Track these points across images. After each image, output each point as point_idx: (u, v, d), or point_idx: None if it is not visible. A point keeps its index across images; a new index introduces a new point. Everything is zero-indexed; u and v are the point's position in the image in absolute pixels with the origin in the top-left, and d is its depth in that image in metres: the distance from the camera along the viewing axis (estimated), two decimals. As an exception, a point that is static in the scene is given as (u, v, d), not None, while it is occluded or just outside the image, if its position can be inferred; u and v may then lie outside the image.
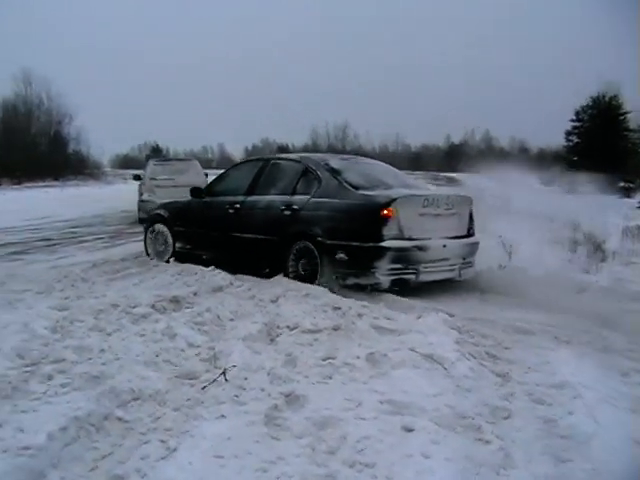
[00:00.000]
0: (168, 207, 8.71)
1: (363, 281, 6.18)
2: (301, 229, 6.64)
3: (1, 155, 40.12)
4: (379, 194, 6.38)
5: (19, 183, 37.61)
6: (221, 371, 3.73)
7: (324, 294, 5.69)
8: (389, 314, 5.12)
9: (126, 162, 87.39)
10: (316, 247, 6.39)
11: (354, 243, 6.15)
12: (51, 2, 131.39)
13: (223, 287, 6.16)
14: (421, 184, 8.50)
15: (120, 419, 3.15)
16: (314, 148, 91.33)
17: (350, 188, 6.52)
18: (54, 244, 10.94)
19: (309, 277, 6.42)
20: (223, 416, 3.22)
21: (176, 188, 12.93)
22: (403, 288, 6.20)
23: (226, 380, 3.63)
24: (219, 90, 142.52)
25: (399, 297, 6.04)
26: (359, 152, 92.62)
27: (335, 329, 4.65)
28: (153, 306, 5.17)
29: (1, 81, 51.71)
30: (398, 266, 6.12)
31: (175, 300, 5.41)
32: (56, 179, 40.89)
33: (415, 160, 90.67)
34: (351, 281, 6.21)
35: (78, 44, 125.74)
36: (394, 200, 6.13)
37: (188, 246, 8.08)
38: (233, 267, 7.09)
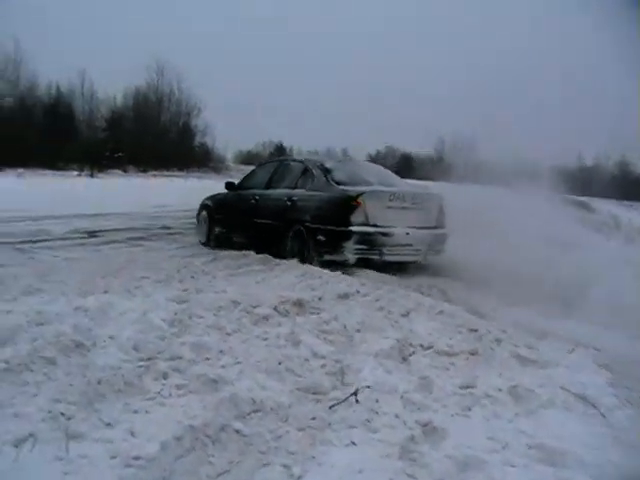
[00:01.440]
0: (212, 198, 10.57)
1: (335, 258, 7.47)
2: (296, 216, 8.04)
3: (130, 143, 41.52)
4: (353, 189, 7.61)
5: (145, 171, 38.92)
6: (352, 390, 3.44)
7: (459, 313, 5.30)
8: (530, 342, 4.66)
9: (249, 158, 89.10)
10: (305, 230, 7.77)
11: (330, 227, 7.45)
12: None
13: (349, 294, 5.86)
14: (410, 183, 9.46)
15: (238, 432, 2.92)
16: (438, 158, 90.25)
17: (333, 184, 7.86)
18: (174, 233, 11.18)
19: (299, 254, 7.78)
20: (354, 443, 2.94)
21: None
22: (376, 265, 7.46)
23: (357, 401, 3.33)
24: (347, 94, 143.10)
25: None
26: (484, 168, 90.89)
27: (472, 354, 4.25)
28: (275, 308, 4.97)
29: (134, 70, 53.92)
30: (363, 247, 7.31)
31: (299, 303, 5.18)
32: (181, 170, 42.09)
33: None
34: (327, 257, 7.52)
35: (211, 41, 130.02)
36: (362, 194, 7.39)
37: (224, 230, 9.72)
38: (256, 248, 8.40)
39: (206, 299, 5.05)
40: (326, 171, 8.16)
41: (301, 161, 8.93)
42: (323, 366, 3.89)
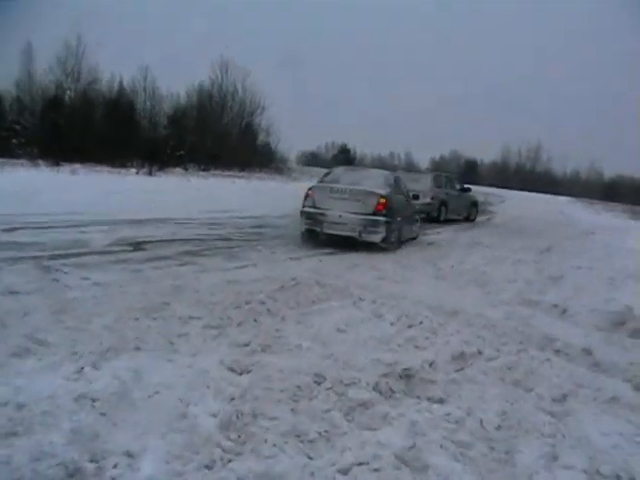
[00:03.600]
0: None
1: (300, 229, 10.65)
2: None
3: (192, 141, 40.68)
4: (312, 184, 11.13)
5: (205, 170, 37.91)
6: None
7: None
8: None
9: (313, 159, 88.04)
10: None
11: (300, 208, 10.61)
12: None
13: (467, 355, 4.26)
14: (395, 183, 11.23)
15: None
16: (503, 166, 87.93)
17: (320, 182, 11.09)
18: (234, 247, 9.42)
19: None
20: None
21: None
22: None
23: None
24: (412, 98, 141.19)
25: None
26: (549, 175, 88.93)
27: None
28: (376, 387, 3.42)
29: (199, 67, 52.56)
30: (310, 221, 10.24)
31: (406, 375, 3.61)
32: (243, 170, 40.96)
33: (608, 190, 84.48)
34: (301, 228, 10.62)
35: (277, 40, 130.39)
36: (312, 187, 10.67)
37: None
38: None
39: (276, 369, 3.51)
40: (327, 174, 11.58)
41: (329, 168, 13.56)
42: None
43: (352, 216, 9.90)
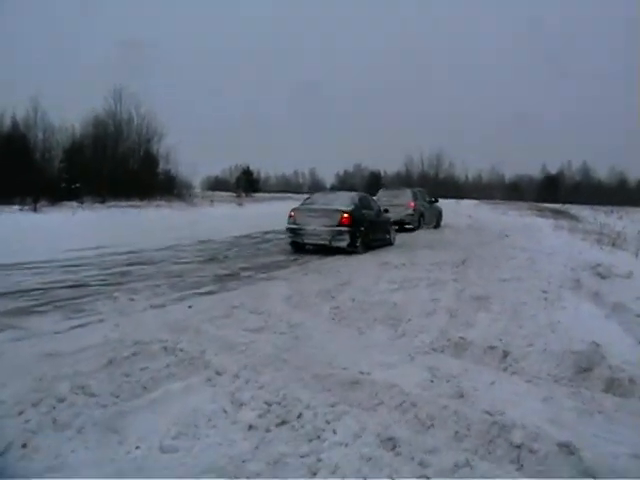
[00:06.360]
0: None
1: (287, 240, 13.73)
2: None
3: (90, 171, 38.29)
4: (294, 207, 14.04)
5: (103, 202, 35.56)
6: None
7: None
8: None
9: (217, 184, 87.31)
10: None
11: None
12: (145, 22, 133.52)
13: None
14: (346, 201, 13.46)
15: None
16: (407, 175, 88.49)
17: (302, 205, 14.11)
18: (85, 296, 7.24)
19: None
20: None
21: None
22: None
23: None
24: (312, 115, 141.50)
25: None
26: (452, 180, 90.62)
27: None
28: None
29: (93, 98, 50.28)
30: (293, 234, 13.24)
31: None
32: (142, 199, 38.80)
33: (511, 190, 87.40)
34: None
35: (171, 62, 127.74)
36: (293, 209, 13.60)
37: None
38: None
39: None
40: (306, 199, 14.63)
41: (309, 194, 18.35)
42: None
43: (324, 229, 12.70)
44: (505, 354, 4.56)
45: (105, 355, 4.44)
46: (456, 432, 3.05)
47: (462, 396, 3.64)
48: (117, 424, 3.24)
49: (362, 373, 3.97)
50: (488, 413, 3.26)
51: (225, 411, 3.37)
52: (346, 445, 2.86)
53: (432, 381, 3.90)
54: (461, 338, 4.99)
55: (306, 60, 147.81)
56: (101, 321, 5.86)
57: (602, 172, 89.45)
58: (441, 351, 4.78)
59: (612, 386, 3.81)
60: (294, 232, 13.14)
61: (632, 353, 4.57)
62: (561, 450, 2.80)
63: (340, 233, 12.60)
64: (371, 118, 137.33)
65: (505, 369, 4.34)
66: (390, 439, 2.91)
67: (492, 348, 4.69)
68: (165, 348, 4.62)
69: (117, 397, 3.62)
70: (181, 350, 4.59)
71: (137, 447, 2.99)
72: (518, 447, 2.86)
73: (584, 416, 3.36)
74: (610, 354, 4.39)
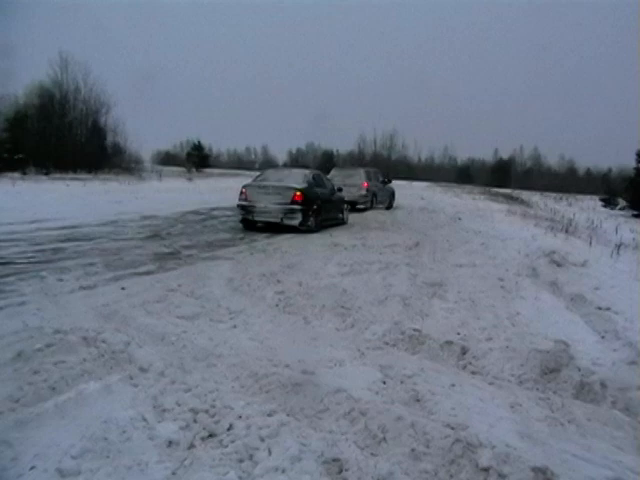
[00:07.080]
0: None
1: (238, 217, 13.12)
2: None
3: (35, 143, 36.68)
4: (246, 183, 13.33)
5: (47, 174, 34.16)
6: None
7: None
8: None
9: (168, 159, 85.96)
10: None
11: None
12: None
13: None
14: (297, 180, 12.86)
15: None
16: (359, 155, 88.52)
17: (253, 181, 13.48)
18: (8, 274, 6.44)
19: None
20: None
21: None
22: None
23: None
24: (265, 91, 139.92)
25: None
26: (404, 162, 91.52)
27: None
28: None
29: (38, 66, 48.07)
30: (244, 212, 12.60)
31: None
32: (89, 172, 37.47)
33: (463, 173, 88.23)
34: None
35: (122, 33, 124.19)
36: (244, 185, 12.96)
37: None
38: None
39: None
40: (258, 176, 14.08)
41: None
42: None
43: (275, 206, 12.25)
44: (464, 350, 4.15)
45: (14, 347, 3.86)
46: (412, 449, 2.59)
47: (418, 400, 3.20)
48: (11, 436, 2.71)
49: (306, 373, 3.47)
50: (449, 426, 2.79)
51: (144, 419, 2.86)
52: (282, 471, 2.36)
53: (384, 382, 3.45)
54: (415, 330, 4.56)
55: (259, 40, 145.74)
56: (22, 304, 5.21)
57: (552, 159, 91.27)
58: (394, 345, 4.35)
59: (582, 391, 3.43)
60: (245, 209, 12.58)
61: (599, 351, 4.23)
62: (536, 476, 2.36)
63: (292, 211, 12.20)
64: (325, 97, 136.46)
65: (464, 367, 3.94)
66: (335, 460, 2.44)
67: (449, 343, 4.27)
68: (85, 339, 4.05)
69: (17, 402, 3.07)
70: (103, 341, 4.02)
71: (32, 467, 2.47)
72: (485, 470, 2.41)
73: (555, 427, 2.96)
74: (577, 353, 4.04)
